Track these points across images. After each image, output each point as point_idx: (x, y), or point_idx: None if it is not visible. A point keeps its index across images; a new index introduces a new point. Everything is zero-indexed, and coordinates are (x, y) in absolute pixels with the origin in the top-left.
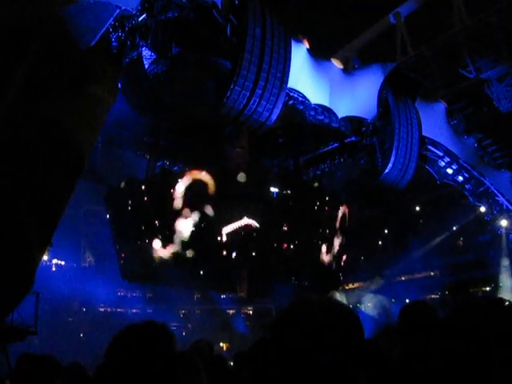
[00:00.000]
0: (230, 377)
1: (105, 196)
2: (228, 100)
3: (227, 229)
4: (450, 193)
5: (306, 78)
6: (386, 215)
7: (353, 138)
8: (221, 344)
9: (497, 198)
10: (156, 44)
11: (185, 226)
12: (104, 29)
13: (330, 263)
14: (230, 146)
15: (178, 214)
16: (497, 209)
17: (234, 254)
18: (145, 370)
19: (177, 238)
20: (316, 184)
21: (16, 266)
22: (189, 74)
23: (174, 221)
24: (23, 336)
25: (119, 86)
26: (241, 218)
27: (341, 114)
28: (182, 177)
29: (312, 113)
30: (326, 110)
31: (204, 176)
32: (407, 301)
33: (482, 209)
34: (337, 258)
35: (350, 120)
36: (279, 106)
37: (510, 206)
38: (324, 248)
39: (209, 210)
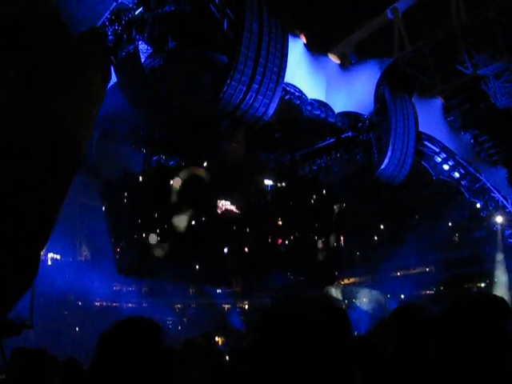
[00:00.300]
0: (226, 372)
1: (101, 190)
2: (225, 95)
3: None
4: (445, 189)
5: (303, 72)
6: (381, 211)
7: (349, 134)
8: (216, 338)
9: (492, 195)
10: (152, 38)
11: (180, 221)
12: (100, 22)
13: (326, 258)
14: (227, 140)
15: (173, 208)
16: (492, 205)
17: (226, 249)
18: (140, 366)
19: (172, 233)
20: (312, 179)
21: (16, 266)
22: (185, 68)
23: (169, 215)
24: (19, 330)
25: (112, 79)
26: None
27: (337, 109)
28: (178, 171)
29: (308, 108)
30: (322, 105)
31: (200, 171)
32: (402, 296)
33: (478, 205)
34: (332, 253)
35: (347, 115)
36: (276, 100)
37: (505, 203)
38: (319, 243)
39: (204, 204)
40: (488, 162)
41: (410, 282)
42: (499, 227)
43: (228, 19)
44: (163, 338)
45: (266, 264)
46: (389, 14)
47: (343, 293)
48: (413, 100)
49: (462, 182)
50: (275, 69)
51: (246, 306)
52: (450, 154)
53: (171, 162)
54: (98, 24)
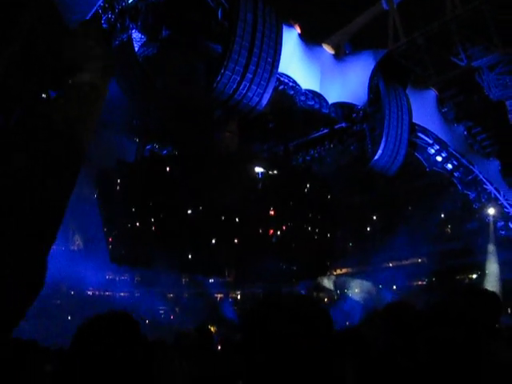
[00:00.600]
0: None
1: (94, 179)
2: (218, 84)
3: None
4: (438, 180)
5: (297, 63)
6: (375, 202)
7: (343, 124)
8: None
9: (485, 187)
10: (146, 26)
11: (175, 210)
12: (94, 9)
13: (318, 249)
14: (220, 130)
15: (166, 197)
16: (485, 197)
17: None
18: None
19: (166, 222)
20: (305, 169)
21: (16, 266)
22: (179, 57)
23: (162, 204)
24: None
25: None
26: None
27: (331, 99)
28: (171, 160)
29: (302, 98)
30: (316, 96)
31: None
32: (394, 287)
33: (471, 197)
34: (325, 243)
35: (341, 106)
36: (269, 90)
37: (497, 195)
38: (312, 233)
39: (197, 194)
40: (481, 153)
41: (402, 273)
42: (491, 219)
43: (222, 8)
44: (139, 330)
45: (259, 254)
46: (384, 4)
47: (335, 283)
48: (407, 91)
49: (455, 174)
50: (269, 59)
51: (239, 296)
52: (444, 146)
53: (164, 152)
54: (92, 11)
